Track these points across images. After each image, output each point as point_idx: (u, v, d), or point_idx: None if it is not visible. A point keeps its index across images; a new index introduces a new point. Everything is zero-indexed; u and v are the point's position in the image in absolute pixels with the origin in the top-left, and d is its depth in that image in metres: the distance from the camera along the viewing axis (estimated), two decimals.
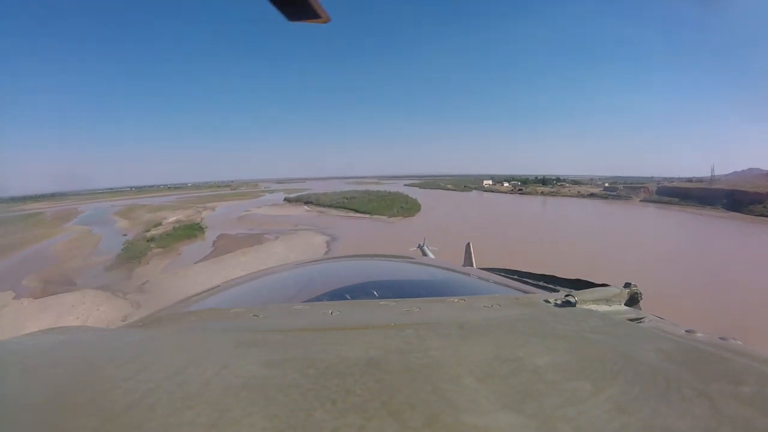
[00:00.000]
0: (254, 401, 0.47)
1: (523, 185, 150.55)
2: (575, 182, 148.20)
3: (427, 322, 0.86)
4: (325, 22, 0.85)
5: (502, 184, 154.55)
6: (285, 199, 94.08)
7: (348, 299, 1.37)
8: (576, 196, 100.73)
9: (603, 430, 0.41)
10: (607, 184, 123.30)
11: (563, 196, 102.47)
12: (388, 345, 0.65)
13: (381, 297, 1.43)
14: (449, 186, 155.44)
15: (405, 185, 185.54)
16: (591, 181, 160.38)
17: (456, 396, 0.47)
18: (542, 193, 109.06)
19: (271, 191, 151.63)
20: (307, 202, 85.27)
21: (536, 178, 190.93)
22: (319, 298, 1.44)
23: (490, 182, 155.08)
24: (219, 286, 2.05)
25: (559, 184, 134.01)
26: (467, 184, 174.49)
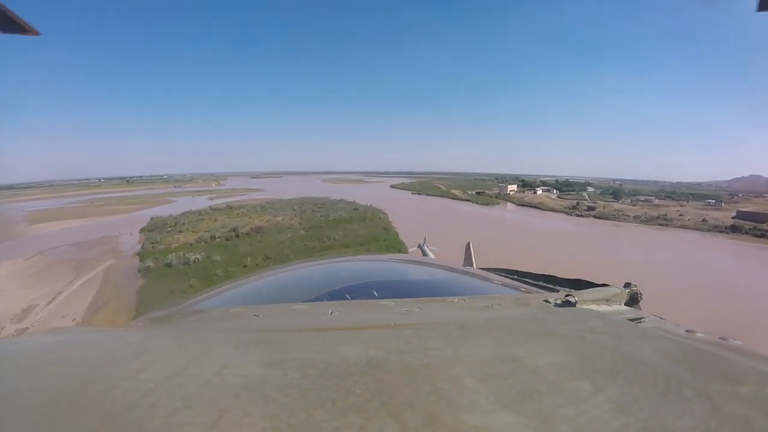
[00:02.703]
0: (254, 401, 0.46)
1: (564, 193, 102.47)
2: (635, 190, 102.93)
3: (427, 322, 0.84)
4: (35, 35, 0.87)
5: (534, 192, 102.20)
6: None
7: (348, 299, 1.34)
8: (701, 229, 52.10)
9: (603, 430, 0.40)
10: (733, 204, 74.71)
11: (680, 227, 53.72)
12: (388, 345, 0.64)
13: (381, 297, 1.40)
14: (455, 191, 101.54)
15: (392, 187, 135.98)
16: (619, 188, 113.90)
17: (456, 396, 0.46)
18: (637, 219, 59.09)
19: (203, 193, 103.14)
20: (151, 230, 36.70)
21: (557, 181, 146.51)
22: (319, 298, 1.41)
23: (515, 188, 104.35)
24: (219, 286, 2.01)
25: (644, 199, 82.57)
26: (478, 187, 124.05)
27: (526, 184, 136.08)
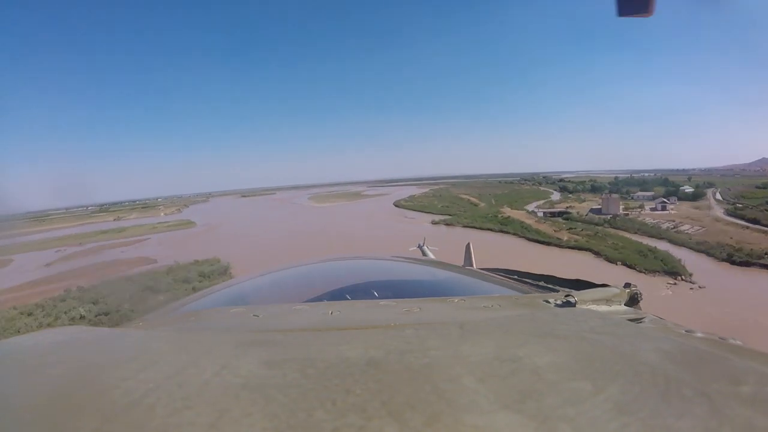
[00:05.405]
0: (254, 401, 0.45)
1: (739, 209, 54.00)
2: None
3: (427, 322, 0.82)
4: None
5: (663, 207, 54.85)
6: None
7: (348, 299, 1.32)
8: None
9: (603, 430, 0.39)
10: None
11: None
12: (388, 345, 0.62)
13: (381, 297, 1.38)
14: (513, 214, 53.06)
15: (397, 205, 79.28)
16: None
17: (456, 396, 0.45)
18: None
19: (92, 237, 66.28)
20: None
21: (616, 178, 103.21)
22: (319, 298, 1.39)
23: (674, 204, 56.58)
24: (219, 286, 1.97)
25: None
26: (527, 196, 77.79)
27: (596, 188, 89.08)
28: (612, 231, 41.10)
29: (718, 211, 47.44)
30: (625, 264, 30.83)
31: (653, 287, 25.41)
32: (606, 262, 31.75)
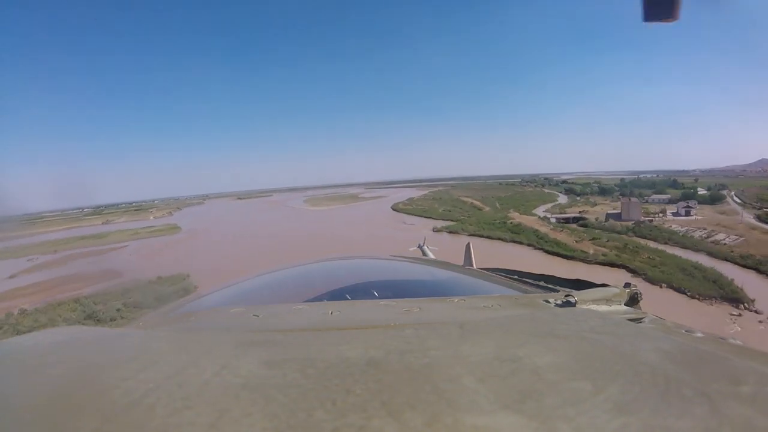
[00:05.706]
0: (254, 401, 0.45)
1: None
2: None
3: (427, 322, 0.83)
4: None
5: (687, 212, 40.47)
6: None
7: (348, 299, 1.32)
8: None
9: (603, 430, 0.39)
10: None
11: None
12: (388, 345, 0.62)
13: (381, 297, 1.38)
14: (547, 232, 47.07)
15: (395, 209, 72.24)
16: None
17: (456, 396, 0.45)
18: None
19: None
20: None
21: (622, 180, 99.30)
22: (319, 298, 1.39)
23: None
24: (219, 286, 2.00)
25: None
26: (532, 199, 72.53)
27: (604, 190, 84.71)
28: (640, 241, 36.20)
29: (748, 217, 43.08)
30: (671, 287, 25.65)
31: (715, 320, 20.42)
32: (648, 284, 25.78)
